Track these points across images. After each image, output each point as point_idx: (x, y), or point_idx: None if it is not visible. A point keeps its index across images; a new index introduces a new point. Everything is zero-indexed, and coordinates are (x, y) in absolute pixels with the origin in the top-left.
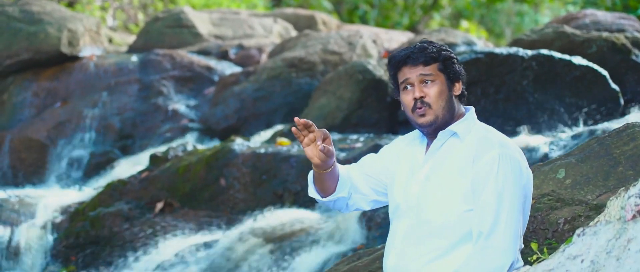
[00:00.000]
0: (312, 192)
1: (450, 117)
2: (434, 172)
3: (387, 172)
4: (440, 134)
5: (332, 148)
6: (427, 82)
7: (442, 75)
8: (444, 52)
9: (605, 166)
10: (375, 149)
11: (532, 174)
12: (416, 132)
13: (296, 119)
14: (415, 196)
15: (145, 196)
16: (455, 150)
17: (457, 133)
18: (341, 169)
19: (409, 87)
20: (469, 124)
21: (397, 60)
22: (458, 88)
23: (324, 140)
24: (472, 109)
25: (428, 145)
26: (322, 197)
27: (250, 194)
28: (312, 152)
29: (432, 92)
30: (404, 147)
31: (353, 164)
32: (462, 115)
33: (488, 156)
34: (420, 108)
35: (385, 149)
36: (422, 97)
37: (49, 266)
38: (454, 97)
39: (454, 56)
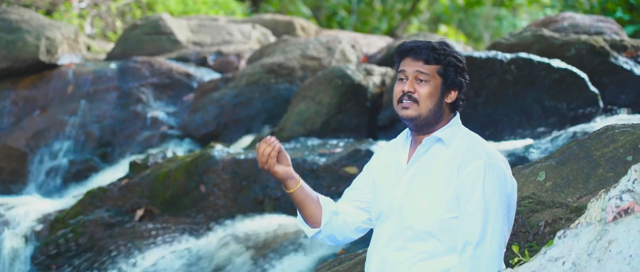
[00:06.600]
0: (301, 224)
1: (434, 120)
2: (417, 177)
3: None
4: (425, 140)
5: (277, 163)
6: (421, 80)
7: (439, 79)
8: (449, 58)
9: (586, 168)
10: (355, 154)
11: (516, 183)
12: (399, 137)
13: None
14: (398, 201)
15: (126, 203)
16: (439, 156)
17: (442, 139)
18: (322, 196)
19: (403, 79)
20: (454, 130)
21: (402, 50)
22: (452, 96)
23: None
24: (457, 114)
25: (411, 146)
26: (312, 227)
27: (231, 200)
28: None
29: (423, 91)
30: (384, 155)
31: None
32: (448, 121)
33: (474, 166)
34: (406, 101)
35: (365, 173)
36: (410, 92)
37: None
38: (444, 103)
39: (461, 66)
